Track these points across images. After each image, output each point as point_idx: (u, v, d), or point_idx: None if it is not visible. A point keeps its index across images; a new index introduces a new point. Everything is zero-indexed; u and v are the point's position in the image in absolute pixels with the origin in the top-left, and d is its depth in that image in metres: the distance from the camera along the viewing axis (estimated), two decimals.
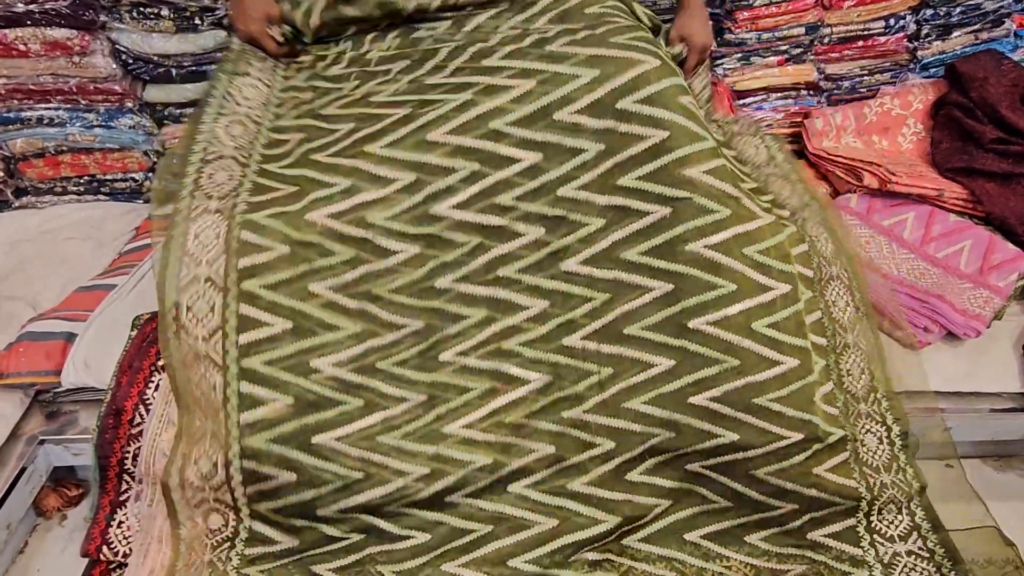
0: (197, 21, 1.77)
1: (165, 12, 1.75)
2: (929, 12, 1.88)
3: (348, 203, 1.19)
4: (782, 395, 1.17)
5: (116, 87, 1.84)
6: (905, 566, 1.19)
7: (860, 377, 1.32)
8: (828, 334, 1.31)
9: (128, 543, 1.25)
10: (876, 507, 1.23)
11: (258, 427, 1.15)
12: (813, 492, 1.21)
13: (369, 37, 1.49)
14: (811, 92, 2.00)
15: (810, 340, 1.24)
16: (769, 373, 1.17)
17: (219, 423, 1.17)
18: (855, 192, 1.75)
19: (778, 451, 1.19)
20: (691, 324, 1.20)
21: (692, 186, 1.19)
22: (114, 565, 1.25)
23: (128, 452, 1.26)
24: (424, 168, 1.20)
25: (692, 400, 1.21)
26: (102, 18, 1.75)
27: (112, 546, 1.25)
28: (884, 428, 1.26)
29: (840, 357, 1.33)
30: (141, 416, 1.26)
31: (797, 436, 1.18)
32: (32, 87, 1.83)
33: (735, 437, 1.19)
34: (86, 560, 1.26)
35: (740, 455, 1.20)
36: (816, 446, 1.20)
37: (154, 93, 1.90)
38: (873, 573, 1.19)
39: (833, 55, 1.95)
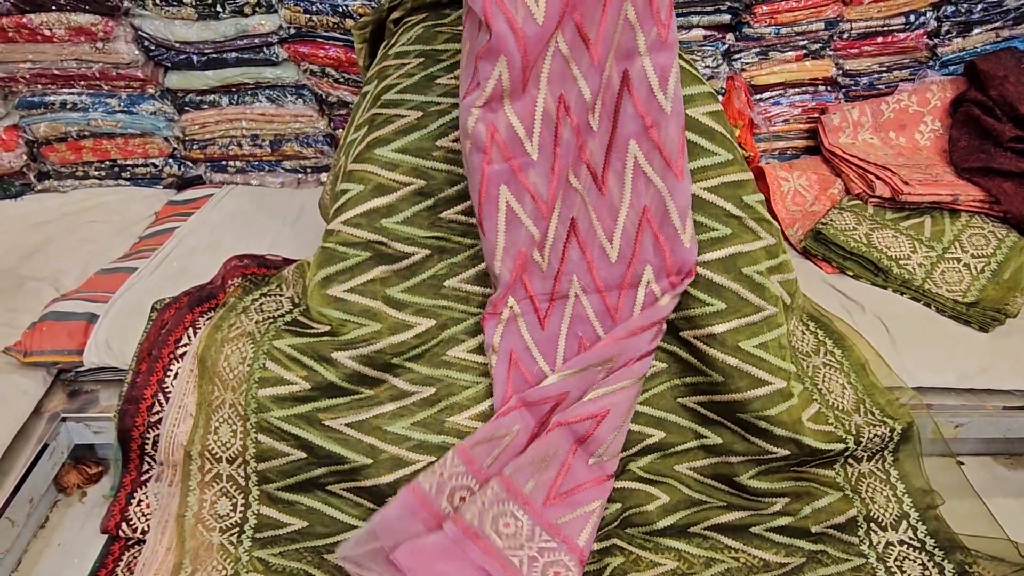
0: (218, 9, 1.79)
1: (187, 0, 1.77)
2: (950, 9, 1.87)
3: (362, 208, 1.23)
4: (769, 415, 1.19)
5: (138, 73, 1.87)
6: (899, 555, 1.21)
7: (843, 394, 1.34)
8: (794, 361, 1.33)
9: (147, 521, 1.28)
10: (867, 492, 1.25)
11: (274, 404, 1.21)
12: (802, 486, 1.24)
13: (408, 22, 1.44)
14: (829, 88, 1.99)
15: (791, 364, 1.25)
16: (756, 392, 1.18)
17: (240, 394, 1.22)
18: (867, 199, 1.75)
19: (763, 459, 1.23)
20: (681, 334, 1.23)
21: (692, 203, 1.17)
22: (132, 542, 1.28)
23: (148, 438, 1.28)
24: (428, 171, 1.22)
25: (680, 401, 1.26)
26: (125, 4, 1.78)
27: (131, 523, 1.28)
28: (887, 429, 1.27)
29: (814, 380, 1.36)
30: (160, 404, 1.28)
31: (783, 452, 1.21)
32: (56, 72, 1.86)
33: (719, 440, 1.25)
34: (105, 536, 1.28)
35: (725, 458, 1.25)
36: (807, 459, 1.23)
37: (175, 80, 1.92)
38: (869, 561, 1.20)
39: (852, 51, 1.94)
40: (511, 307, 1.19)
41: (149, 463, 1.31)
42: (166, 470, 1.29)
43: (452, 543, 1.08)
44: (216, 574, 1.17)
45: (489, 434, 1.14)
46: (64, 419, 1.41)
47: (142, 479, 1.31)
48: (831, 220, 1.72)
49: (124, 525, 1.27)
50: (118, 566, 1.24)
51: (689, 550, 1.22)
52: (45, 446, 1.36)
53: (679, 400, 1.27)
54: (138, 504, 1.29)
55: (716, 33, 1.89)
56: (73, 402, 1.44)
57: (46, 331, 1.43)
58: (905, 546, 1.21)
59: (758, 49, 1.93)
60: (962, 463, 1.32)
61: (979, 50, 1.94)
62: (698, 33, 1.88)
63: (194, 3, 1.77)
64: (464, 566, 1.06)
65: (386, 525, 1.08)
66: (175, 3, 1.77)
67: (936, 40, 1.94)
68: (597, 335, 1.21)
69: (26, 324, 1.46)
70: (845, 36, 1.92)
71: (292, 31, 1.84)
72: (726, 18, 1.86)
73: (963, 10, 1.88)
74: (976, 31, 1.93)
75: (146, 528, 1.27)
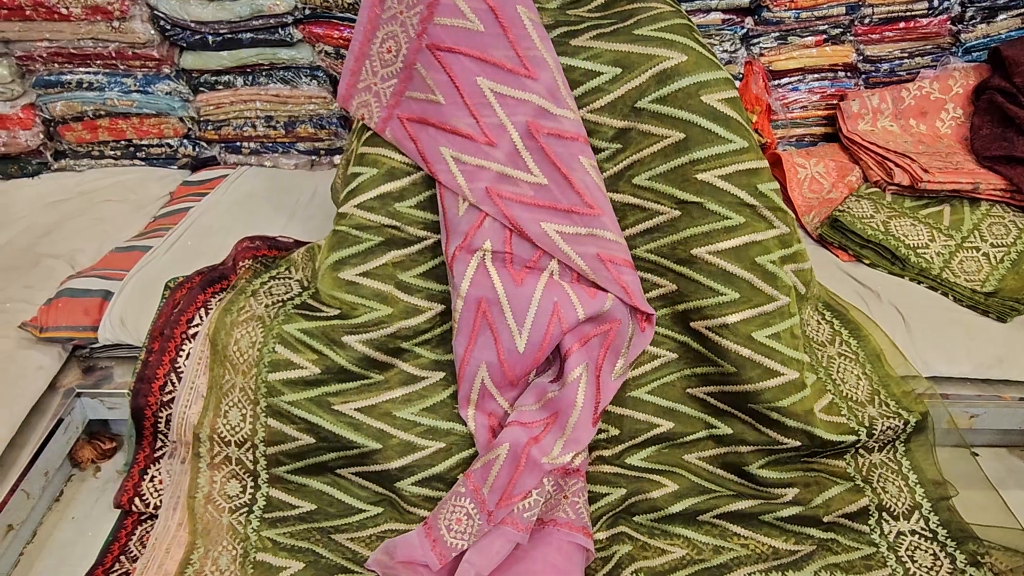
0: None
1: None
2: None
3: (375, 191, 1.24)
4: (781, 405, 1.18)
5: (154, 53, 1.87)
6: (909, 545, 1.20)
7: (857, 385, 1.33)
8: (808, 351, 1.32)
9: (159, 496, 1.29)
10: (879, 482, 1.25)
11: (284, 388, 1.21)
12: (812, 476, 1.23)
13: None
14: (848, 74, 1.96)
15: (804, 354, 1.24)
16: (768, 383, 1.18)
17: (250, 378, 1.22)
18: (886, 187, 1.73)
19: (774, 450, 1.22)
20: (692, 324, 1.22)
21: (705, 191, 1.16)
22: (145, 516, 1.29)
23: (161, 417, 1.30)
24: None
25: (690, 391, 1.26)
26: None
27: (144, 498, 1.29)
28: (901, 422, 1.26)
29: (828, 370, 1.35)
30: (173, 384, 1.30)
31: (794, 443, 1.20)
32: (73, 51, 1.86)
33: (729, 431, 1.24)
34: (119, 511, 1.30)
35: (735, 448, 1.24)
36: (818, 450, 1.22)
37: (190, 60, 1.92)
38: (880, 550, 1.19)
39: (873, 36, 1.91)
40: (485, 251, 1.15)
41: (162, 440, 1.33)
42: (179, 447, 1.31)
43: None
44: (227, 553, 1.19)
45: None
46: (79, 394, 1.43)
47: (155, 455, 1.33)
48: (848, 208, 1.70)
49: (137, 500, 1.29)
50: (131, 540, 1.26)
51: (698, 537, 1.22)
52: (60, 421, 1.37)
53: (688, 390, 1.26)
54: (151, 480, 1.31)
55: (734, 17, 1.87)
56: (88, 378, 1.45)
57: (62, 307, 1.44)
58: (916, 536, 1.21)
59: (777, 34, 1.90)
60: (976, 454, 1.31)
61: (1003, 36, 1.90)
62: (716, 16, 1.86)
63: None
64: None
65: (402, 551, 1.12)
66: None
67: (959, 26, 1.90)
68: (572, 305, 1.16)
69: (42, 300, 1.47)
70: (866, 21, 1.89)
71: (307, 12, 1.84)
72: (745, 1, 1.83)
73: None
74: (1001, 17, 1.89)
75: (159, 503, 1.28)
